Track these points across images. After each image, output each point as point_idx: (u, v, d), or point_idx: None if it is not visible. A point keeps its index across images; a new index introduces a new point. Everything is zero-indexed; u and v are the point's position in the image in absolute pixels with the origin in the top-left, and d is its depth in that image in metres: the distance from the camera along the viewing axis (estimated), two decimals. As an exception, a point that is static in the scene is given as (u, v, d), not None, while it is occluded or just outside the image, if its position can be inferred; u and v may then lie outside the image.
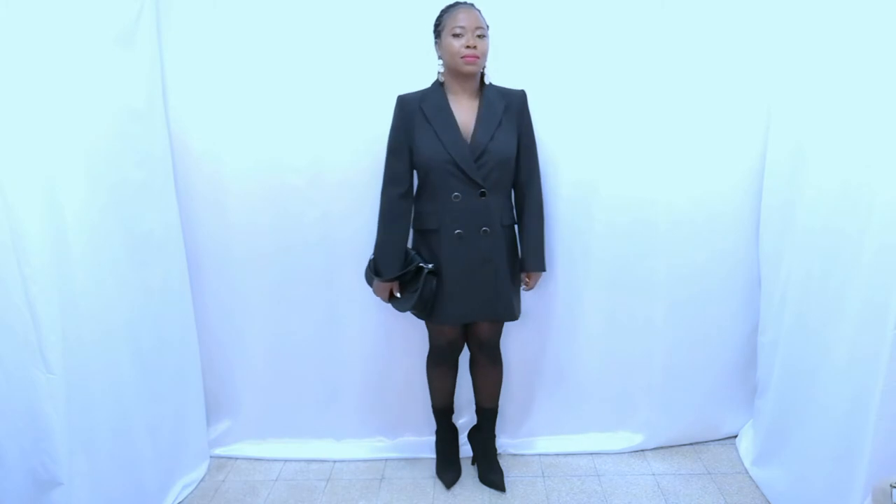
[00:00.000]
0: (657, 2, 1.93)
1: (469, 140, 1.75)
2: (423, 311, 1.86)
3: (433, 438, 2.18)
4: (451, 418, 2.15)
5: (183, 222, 2.07)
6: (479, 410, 2.11)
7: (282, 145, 2.03)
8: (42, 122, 1.49)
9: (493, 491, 2.05)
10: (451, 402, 2.13)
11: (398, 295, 1.87)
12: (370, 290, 1.95)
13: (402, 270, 1.82)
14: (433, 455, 2.18)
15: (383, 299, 1.91)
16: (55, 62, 1.52)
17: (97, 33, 1.66)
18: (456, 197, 1.76)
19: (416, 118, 1.77)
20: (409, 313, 1.94)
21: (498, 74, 1.94)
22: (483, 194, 1.77)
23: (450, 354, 2.02)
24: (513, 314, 1.90)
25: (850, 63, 1.57)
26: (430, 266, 1.79)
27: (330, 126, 2.01)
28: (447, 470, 2.11)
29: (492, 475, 2.07)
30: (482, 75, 1.82)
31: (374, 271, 1.86)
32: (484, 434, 2.12)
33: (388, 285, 1.86)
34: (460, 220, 1.78)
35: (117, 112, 1.74)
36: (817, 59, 1.73)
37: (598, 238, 2.09)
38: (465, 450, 2.22)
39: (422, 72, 1.89)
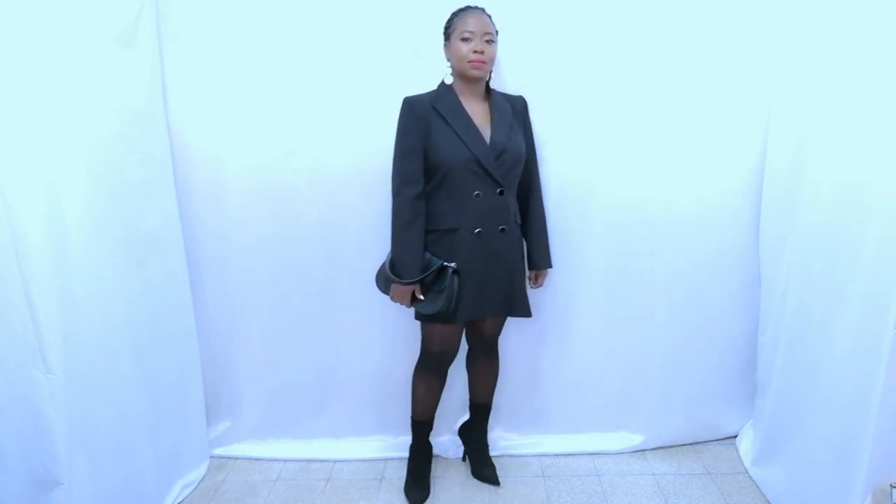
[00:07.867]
0: (657, 1, 1.93)
1: (488, 139, 1.77)
2: (450, 310, 1.78)
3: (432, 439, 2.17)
4: (429, 434, 2.08)
5: (183, 222, 2.06)
6: (474, 407, 2.11)
7: (282, 145, 2.02)
8: (42, 122, 1.48)
9: (492, 489, 2.05)
10: (433, 417, 2.05)
11: (421, 297, 1.83)
12: (370, 290, 1.94)
13: (426, 272, 1.78)
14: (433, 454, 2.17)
15: (404, 304, 1.84)
16: (55, 62, 1.52)
17: (97, 33, 1.66)
18: (477, 195, 1.77)
19: (430, 118, 1.76)
20: (410, 315, 1.93)
21: (498, 74, 1.95)
22: (501, 193, 1.79)
23: (441, 363, 1.96)
24: (528, 310, 1.91)
25: (850, 61, 1.58)
26: (454, 265, 1.77)
27: (330, 126, 2.00)
28: (418, 489, 2.03)
29: (486, 470, 2.09)
30: (488, 80, 1.85)
31: (395, 274, 1.80)
32: (477, 431, 2.13)
33: (409, 288, 1.80)
34: (481, 218, 1.78)
35: (117, 112, 1.74)
36: (817, 58, 1.73)
37: (598, 238, 2.09)
38: (462, 450, 2.21)
39: (422, 72, 1.89)
